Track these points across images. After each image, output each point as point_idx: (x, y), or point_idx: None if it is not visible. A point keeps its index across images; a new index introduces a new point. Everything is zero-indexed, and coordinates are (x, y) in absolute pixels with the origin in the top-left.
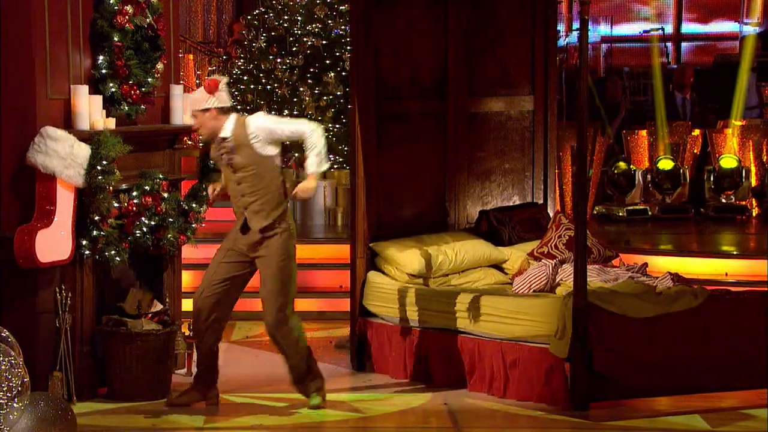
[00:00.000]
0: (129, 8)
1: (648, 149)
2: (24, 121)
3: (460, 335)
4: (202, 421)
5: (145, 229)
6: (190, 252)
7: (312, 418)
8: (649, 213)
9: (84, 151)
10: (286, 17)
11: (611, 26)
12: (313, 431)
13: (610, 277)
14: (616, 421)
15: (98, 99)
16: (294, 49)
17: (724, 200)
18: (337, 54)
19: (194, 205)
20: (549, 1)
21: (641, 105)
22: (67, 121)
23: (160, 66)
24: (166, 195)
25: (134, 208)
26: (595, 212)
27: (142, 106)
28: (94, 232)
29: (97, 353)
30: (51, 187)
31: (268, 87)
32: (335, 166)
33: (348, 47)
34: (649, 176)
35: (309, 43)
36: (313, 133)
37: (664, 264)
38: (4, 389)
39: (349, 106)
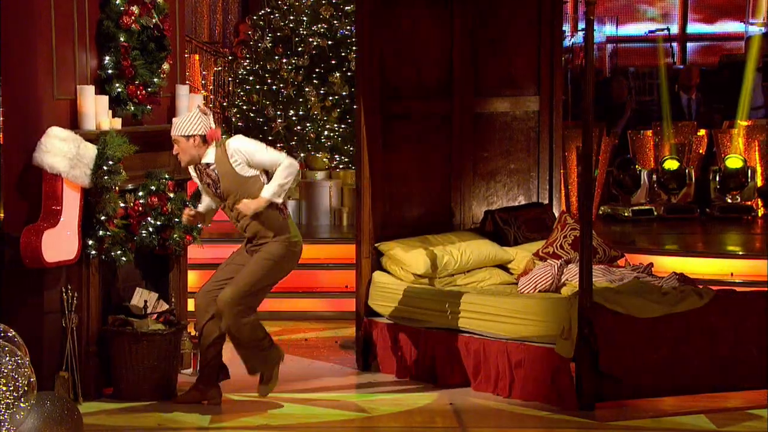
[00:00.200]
0: (135, 9)
1: (653, 149)
2: (30, 122)
3: (465, 335)
4: (208, 420)
5: (151, 229)
6: (195, 252)
7: (317, 417)
8: (655, 213)
9: (90, 151)
10: (291, 18)
11: (617, 26)
12: (319, 431)
13: (616, 277)
14: (622, 421)
15: (104, 99)
16: (299, 49)
17: (729, 200)
18: (343, 54)
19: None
20: (555, 1)
21: (647, 105)
22: (73, 121)
23: (166, 66)
24: (171, 195)
25: (140, 208)
26: (600, 212)
27: (148, 107)
28: (101, 232)
29: (103, 353)
30: (57, 187)
31: (274, 87)
32: (341, 166)
33: (353, 47)
34: (654, 176)
35: (314, 43)
36: (288, 167)
37: (669, 264)
38: (11, 389)
39: (355, 107)
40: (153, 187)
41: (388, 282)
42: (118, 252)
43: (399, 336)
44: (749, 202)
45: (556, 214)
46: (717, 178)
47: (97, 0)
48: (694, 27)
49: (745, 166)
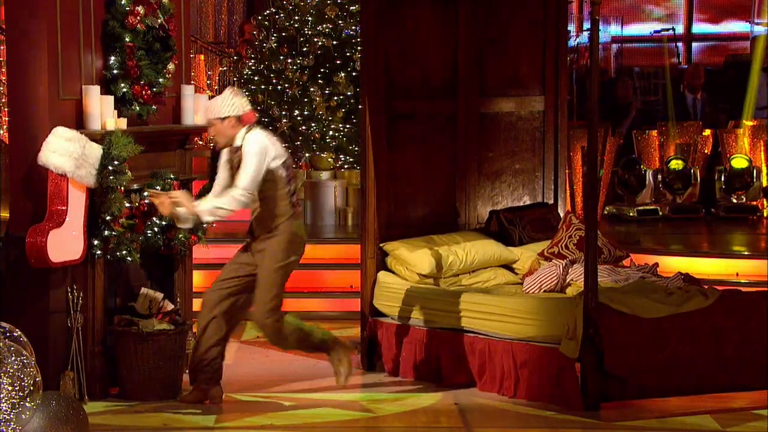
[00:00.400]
0: (140, 9)
1: (659, 149)
2: (36, 122)
3: (470, 335)
4: (213, 420)
5: (156, 229)
6: (201, 252)
7: (322, 417)
8: (660, 213)
9: (95, 151)
10: (296, 18)
11: (622, 26)
12: (324, 431)
13: (621, 278)
14: (627, 422)
15: (110, 99)
16: (304, 49)
17: (734, 200)
18: (348, 54)
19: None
20: (560, 2)
21: (652, 105)
22: (78, 121)
23: (171, 66)
24: None
25: (145, 208)
26: (605, 212)
27: (154, 107)
28: (106, 232)
29: (108, 353)
30: (63, 187)
31: (279, 87)
32: (346, 167)
33: (358, 47)
34: (659, 176)
35: (319, 43)
36: (236, 198)
37: (674, 264)
38: (17, 388)
39: (360, 107)
40: (158, 187)
41: (393, 282)
42: (124, 252)
43: (404, 336)
44: (754, 202)
45: (561, 214)
46: (722, 178)
47: (103, 0)
48: (700, 27)
49: (751, 166)
